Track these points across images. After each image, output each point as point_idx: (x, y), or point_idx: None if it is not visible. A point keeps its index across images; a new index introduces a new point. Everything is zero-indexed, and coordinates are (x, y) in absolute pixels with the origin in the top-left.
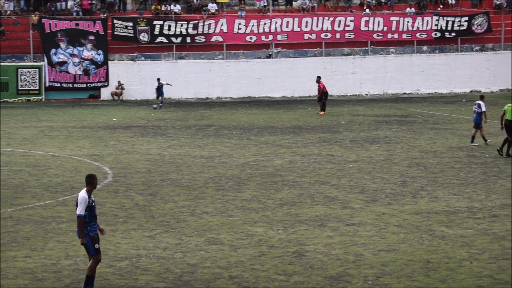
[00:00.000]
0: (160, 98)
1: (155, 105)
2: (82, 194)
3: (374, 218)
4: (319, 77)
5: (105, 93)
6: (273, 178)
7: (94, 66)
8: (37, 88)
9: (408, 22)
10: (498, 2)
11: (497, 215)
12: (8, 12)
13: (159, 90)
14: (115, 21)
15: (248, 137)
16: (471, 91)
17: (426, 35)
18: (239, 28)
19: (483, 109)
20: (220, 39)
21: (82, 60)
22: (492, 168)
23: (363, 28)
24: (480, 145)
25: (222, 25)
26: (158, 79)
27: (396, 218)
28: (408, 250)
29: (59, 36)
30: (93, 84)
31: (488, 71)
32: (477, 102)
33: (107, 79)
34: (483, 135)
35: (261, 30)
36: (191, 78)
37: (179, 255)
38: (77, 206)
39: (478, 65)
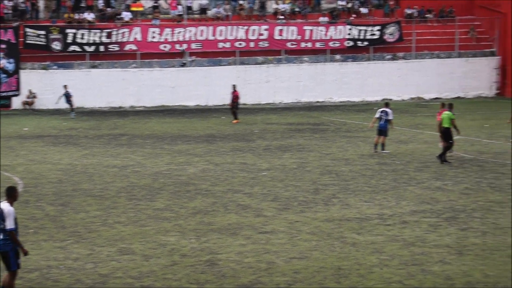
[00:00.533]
0: (70, 106)
1: (72, 114)
2: (8, 207)
3: (286, 226)
4: (234, 85)
5: (16, 102)
6: (186, 187)
7: (5, 75)
8: None
9: (321, 31)
10: (409, 12)
11: (407, 222)
12: None
13: (67, 98)
14: (27, 29)
15: (161, 146)
16: (383, 99)
17: (339, 44)
18: (153, 37)
19: (391, 117)
20: (134, 47)
21: None
22: (402, 175)
23: (277, 36)
24: (391, 153)
25: (136, 33)
26: (65, 86)
27: (308, 226)
28: (319, 257)
29: None
30: (4, 93)
31: (399, 80)
32: (383, 109)
33: (18, 88)
34: (384, 142)
35: (175, 39)
36: (105, 87)
37: (90, 265)
38: (3, 221)
39: (389, 73)
